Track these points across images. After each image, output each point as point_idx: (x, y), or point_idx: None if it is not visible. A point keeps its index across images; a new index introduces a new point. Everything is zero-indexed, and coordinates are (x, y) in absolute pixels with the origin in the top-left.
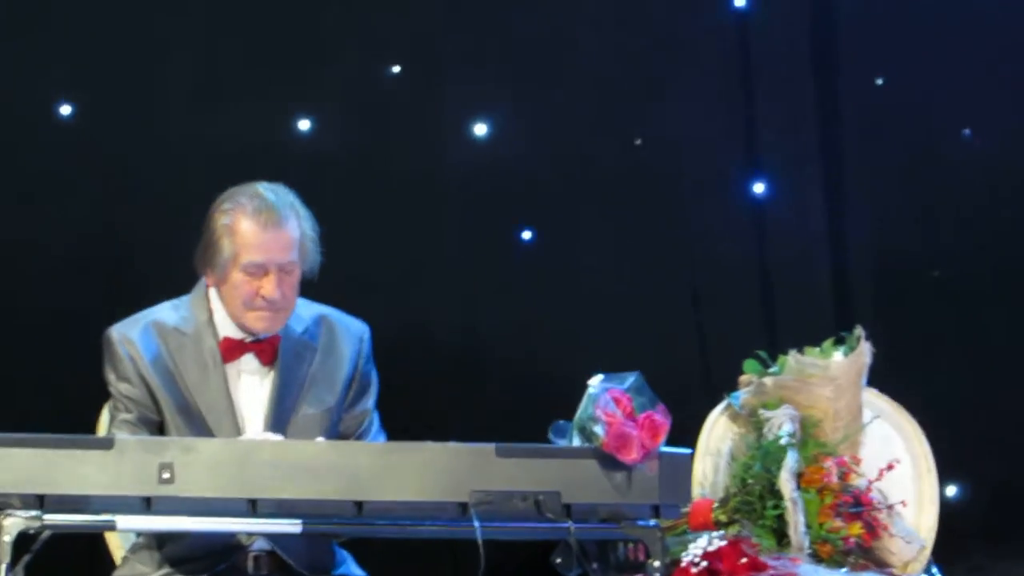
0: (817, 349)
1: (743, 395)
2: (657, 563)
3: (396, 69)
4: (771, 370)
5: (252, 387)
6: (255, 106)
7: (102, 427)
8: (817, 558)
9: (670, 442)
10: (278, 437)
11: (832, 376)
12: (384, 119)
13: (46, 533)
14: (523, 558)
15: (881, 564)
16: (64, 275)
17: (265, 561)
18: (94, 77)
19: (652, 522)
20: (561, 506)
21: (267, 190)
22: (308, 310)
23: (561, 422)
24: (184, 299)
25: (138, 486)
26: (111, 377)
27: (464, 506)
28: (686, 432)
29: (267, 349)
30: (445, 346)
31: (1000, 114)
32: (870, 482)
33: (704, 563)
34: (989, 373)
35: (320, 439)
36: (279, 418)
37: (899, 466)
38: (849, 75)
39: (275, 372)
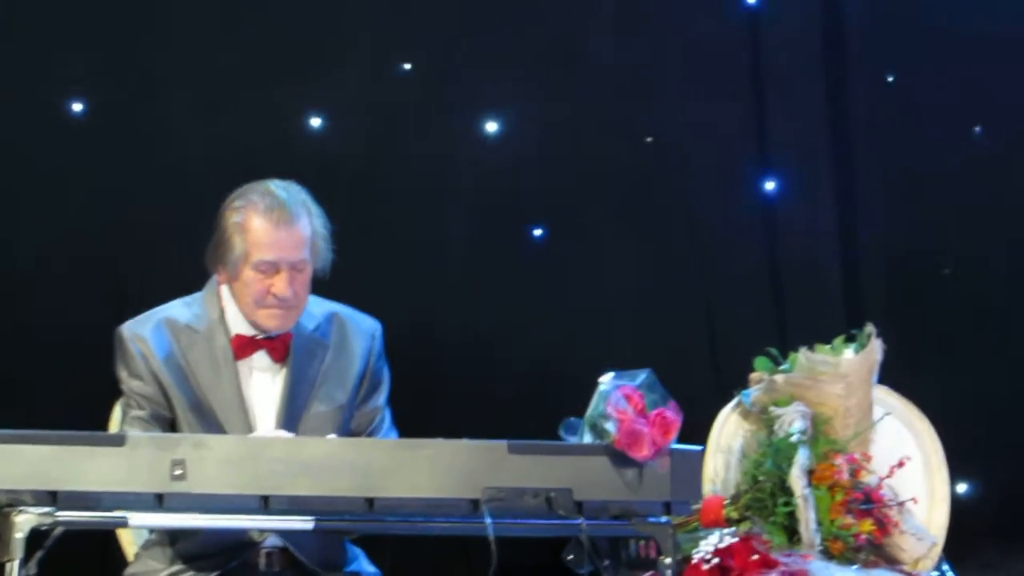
0: (828, 346)
1: (754, 392)
2: (668, 560)
3: (407, 67)
4: (782, 367)
5: (264, 384)
6: (267, 103)
7: (114, 424)
8: (828, 555)
9: (681, 439)
10: (289, 434)
11: (843, 373)
12: (395, 117)
13: (58, 530)
14: (535, 555)
15: (892, 561)
16: (76, 272)
17: (277, 558)
18: (105, 75)
19: (663, 519)
20: (573, 503)
21: (279, 188)
22: (320, 307)
23: (572, 419)
24: (196, 296)
25: (150, 483)
26: (123, 374)
27: (476, 503)
28: (697, 429)
29: (279, 346)
30: (457, 343)
31: (1011, 112)
32: (881, 479)
33: (715, 560)
34: (1000, 370)
35: (332, 436)
36: (291, 415)
37: (910, 463)
38: (859, 73)
39: (287, 369)
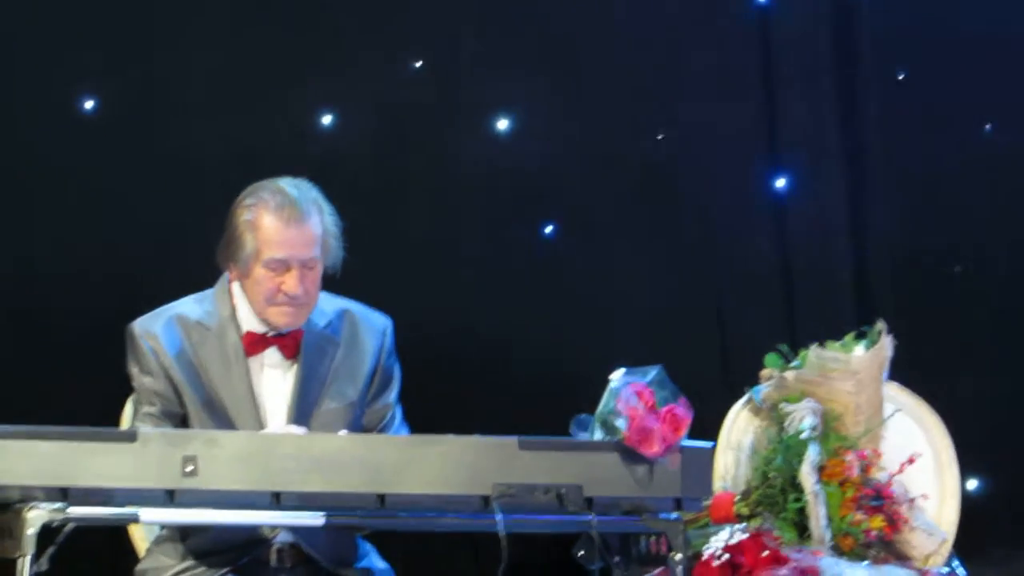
0: (838, 343)
1: (765, 389)
2: (679, 556)
3: (418, 64)
4: (792, 364)
5: (275, 381)
6: (278, 101)
7: (126, 420)
8: (838, 551)
9: (692, 436)
10: (301, 430)
11: (853, 370)
12: (406, 115)
13: (70, 526)
14: (545, 551)
15: (902, 557)
16: (88, 269)
17: (288, 554)
18: (116, 72)
19: (674, 515)
20: (583, 499)
21: (290, 185)
22: (331, 304)
23: (583, 416)
24: (207, 293)
25: (162, 479)
26: (134, 371)
27: (486, 499)
28: (708, 426)
29: (290, 343)
30: (467, 340)
31: (1022, 110)
32: (891, 475)
33: (726, 556)
34: (1011, 366)
35: (343, 432)
36: (302, 412)
37: (920, 459)
38: (871, 70)
39: (298, 366)
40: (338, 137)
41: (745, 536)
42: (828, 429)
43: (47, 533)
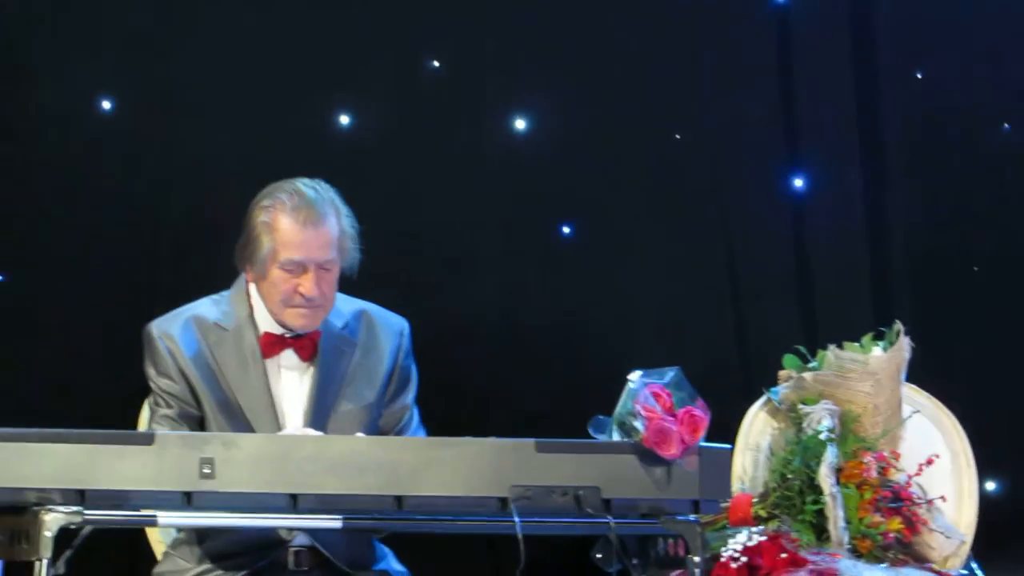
0: (856, 344)
1: (782, 390)
2: (697, 558)
3: (436, 64)
4: (810, 365)
5: (292, 383)
6: (296, 101)
7: (142, 422)
8: (856, 553)
9: (709, 437)
10: (318, 433)
11: (871, 371)
12: (424, 114)
13: (87, 528)
14: (563, 553)
15: (920, 559)
16: (105, 269)
17: (306, 557)
18: (134, 72)
19: (692, 517)
20: (601, 501)
21: (307, 187)
22: (348, 305)
23: (601, 417)
24: (224, 294)
25: (179, 481)
26: (151, 372)
27: (504, 501)
28: (725, 427)
29: (307, 345)
30: (485, 341)
31: None
32: (909, 477)
33: (744, 558)
34: None
35: (360, 434)
36: (319, 414)
37: (938, 461)
38: (889, 69)
39: (315, 368)
40: (356, 137)
41: (763, 538)
42: (846, 430)
43: (64, 536)
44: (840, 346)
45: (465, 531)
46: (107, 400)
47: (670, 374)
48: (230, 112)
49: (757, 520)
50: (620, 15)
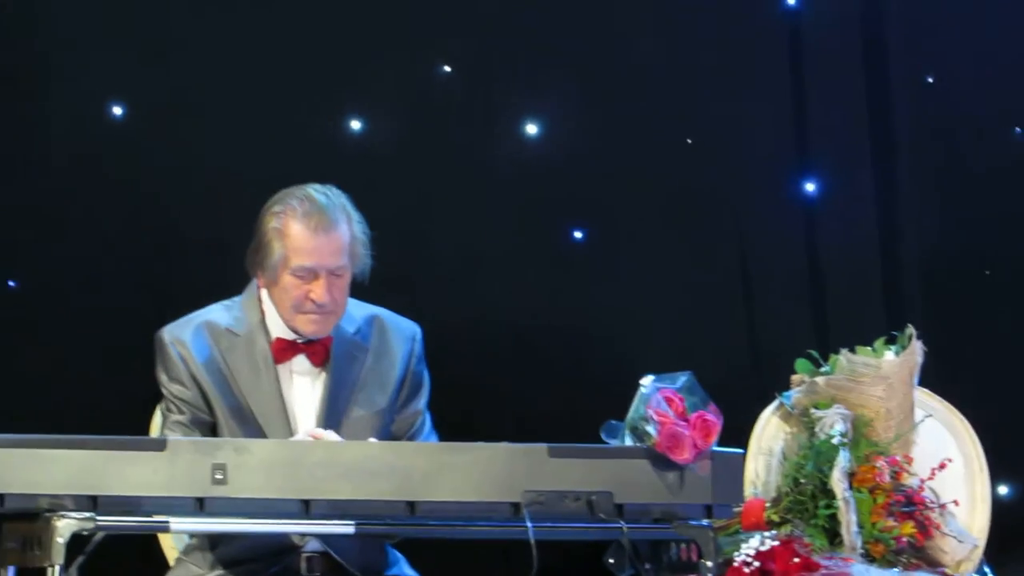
0: (869, 348)
1: (795, 394)
2: (709, 563)
3: (447, 68)
4: (823, 369)
5: (304, 388)
6: (306, 106)
7: (155, 429)
8: (869, 558)
9: (722, 442)
10: (332, 433)
11: (884, 375)
12: (435, 119)
13: (99, 535)
14: (575, 558)
15: (933, 563)
16: (116, 276)
17: (318, 562)
18: (144, 78)
19: (704, 522)
20: (613, 506)
21: (318, 192)
22: (360, 310)
23: (613, 422)
24: (236, 300)
25: (191, 487)
26: (163, 378)
27: (516, 506)
28: (738, 432)
29: (319, 350)
30: (496, 346)
31: None
32: (922, 481)
33: (756, 563)
34: None
35: (372, 440)
36: (331, 419)
37: (951, 465)
38: (900, 73)
39: (327, 373)
40: (367, 142)
41: (776, 543)
42: (859, 435)
43: (76, 542)
44: (852, 350)
45: (477, 536)
46: (119, 406)
47: (682, 379)
48: (241, 117)
49: (770, 525)
50: (630, 20)
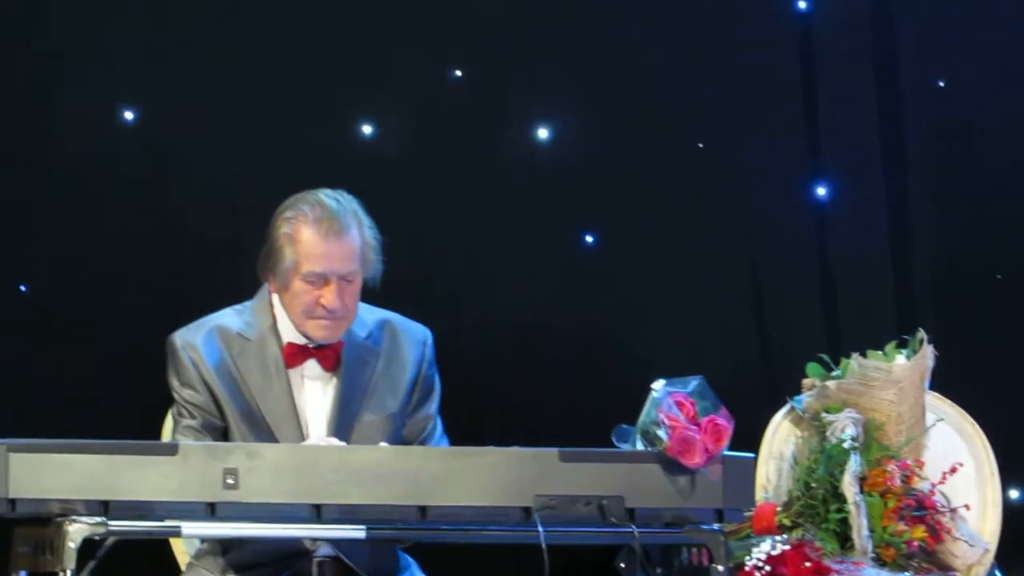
0: (880, 352)
1: (806, 399)
2: (721, 567)
3: (459, 73)
4: (834, 374)
5: (315, 393)
6: (318, 112)
7: (166, 433)
8: (880, 562)
9: (733, 446)
10: (340, 442)
11: (895, 379)
12: (447, 124)
13: (111, 539)
14: (587, 563)
15: (944, 567)
16: (127, 280)
17: (330, 567)
18: (156, 82)
19: (716, 526)
20: (624, 510)
21: (329, 198)
22: (371, 315)
23: (624, 426)
24: (247, 305)
25: (202, 492)
26: (174, 383)
27: (528, 511)
28: (749, 436)
29: (330, 355)
30: (507, 350)
31: None
32: (933, 485)
33: (768, 567)
34: None
35: (383, 444)
36: (342, 424)
37: (962, 469)
38: (911, 77)
39: (338, 378)
40: (378, 147)
41: (787, 547)
42: (870, 439)
43: (88, 547)
44: (863, 354)
45: (489, 541)
46: (130, 411)
47: (693, 383)
48: (252, 122)
49: (781, 529)
50: (641, 25)
